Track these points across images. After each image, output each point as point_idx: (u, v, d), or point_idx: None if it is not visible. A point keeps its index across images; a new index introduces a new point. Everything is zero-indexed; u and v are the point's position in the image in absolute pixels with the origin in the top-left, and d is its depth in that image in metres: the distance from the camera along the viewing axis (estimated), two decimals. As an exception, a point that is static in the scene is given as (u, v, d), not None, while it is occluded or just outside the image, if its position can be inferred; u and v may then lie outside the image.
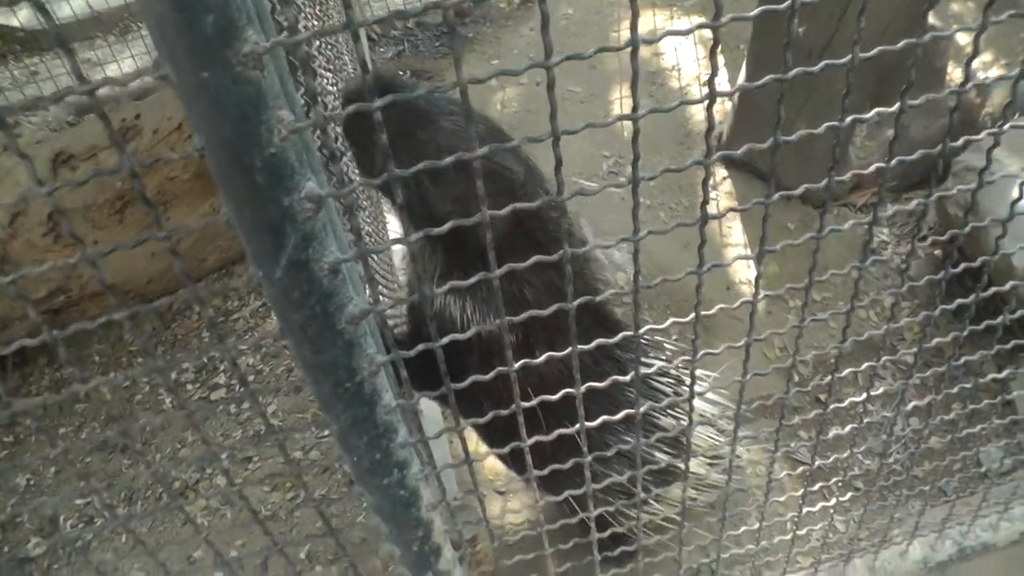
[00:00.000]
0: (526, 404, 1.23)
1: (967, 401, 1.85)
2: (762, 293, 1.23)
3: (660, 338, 2.67)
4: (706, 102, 0.93)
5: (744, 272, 4.12)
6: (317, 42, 2.17)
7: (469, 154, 0.86)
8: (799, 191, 1.14)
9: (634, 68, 0.85)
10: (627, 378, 1.28)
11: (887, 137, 1.16)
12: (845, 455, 1.83)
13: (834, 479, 1.99)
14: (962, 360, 1.64)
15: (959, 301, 1.49)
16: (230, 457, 3.61)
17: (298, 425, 3.71)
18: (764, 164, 4.38)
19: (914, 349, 1.57)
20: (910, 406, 1.73)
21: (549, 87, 0.85)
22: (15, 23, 5.82)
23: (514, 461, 2.60)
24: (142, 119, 4.12)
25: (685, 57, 5.70)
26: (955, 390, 1.82)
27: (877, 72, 3.87)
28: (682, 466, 1.58)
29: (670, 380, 2.55)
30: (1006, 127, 1.14)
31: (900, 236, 4.18)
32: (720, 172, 4.74)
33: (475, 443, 3.13)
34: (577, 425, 1.29)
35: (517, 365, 1.14)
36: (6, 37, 5.88)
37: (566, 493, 1.55)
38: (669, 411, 2.49)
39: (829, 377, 1.53)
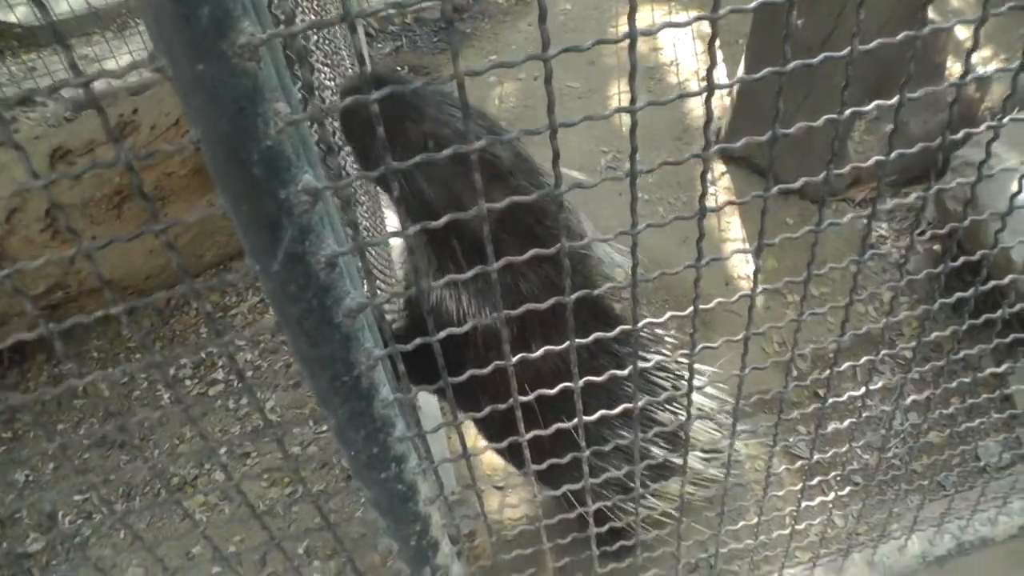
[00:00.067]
0: (524, 398, 1.22)
1: (966, 396, 1.85)
2: (760, 287, 1.23)
3: (661, 331, 2.66)
4: (704, 95, 0.93)
5: (743, 267, 4.12)
6: (315, 37, 2.17)
7: (464, 146, 0.85)
8: (798, 184, 1.14)
9: (632, 61, 0.85)
10: (624, 372, 1.27)
11: (886, 132, 1.16)
12: (844, 449, 1.83)
13: (833, 473, 1.99)
14: (961, 354, 1.64)
15: (958, 295, 1.49)
16: (228, 453, 3.61)
17: (296, 420, 3.71)
18: (763, 159, 4.38)
19: (913, 343, 1.57)
20: (909, 400, 1.73)
21: (546, 80, 0.84)
22: (12, 19, 5.80)
23: (512, 455, 2.60)
24: (139, 115, 4.11)
25: (683, 52, 5.70)
26: (954, 384, 1.82)
27: (876, 68, 3.87)
28: (680, 460, 1.59)
29: (668, 374, 2.55)
30: (1005, 120, 1.14)
31: (899, 231, 4.18)
32: (719, 168, 4.74)
33: (473, 438, 3.13)
34: (574, 420, 1.29)
35: (515, 359, 1.14)
36: (3, 33, 5.86)
37: (564, 488, 1.55)
38: (667, 405, 2.49)
39: (828, 371, 1.53)
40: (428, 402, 2.94)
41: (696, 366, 2.65)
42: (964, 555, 2.37)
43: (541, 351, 1.18)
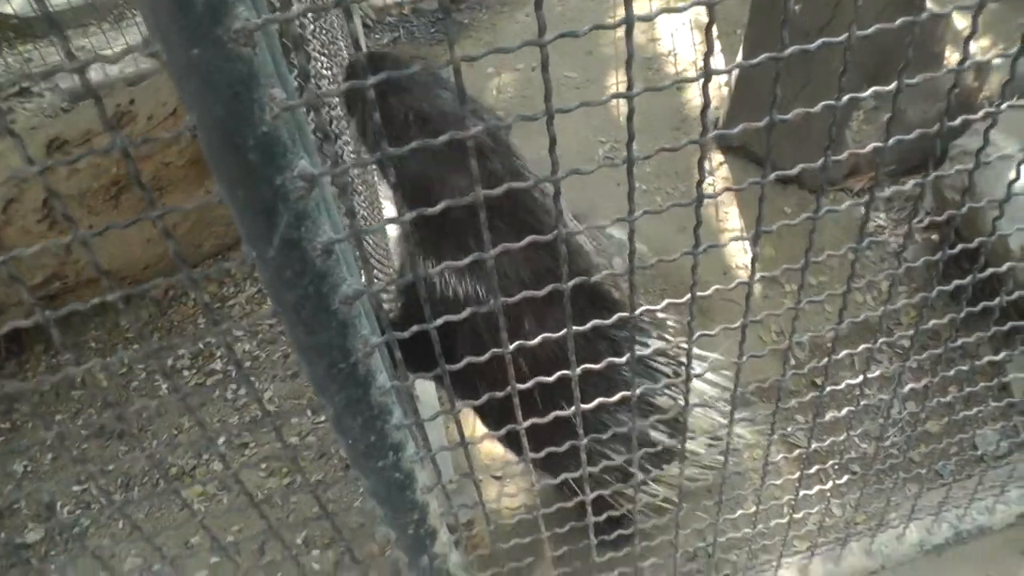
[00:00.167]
0: (522, 387, 1.22)
1: (963, 384, 1.85)
2: (758, 275, 1.23)
3: (663, 315, 2.65)
4: (701, 81, 0.93)
5: (740, 257, 4.12)
6: (312, 26, 2.16)
7: (463, 133, 0.85)
8: (795, 171, 1.13)
9: (628, 47, 0.84)
10: (623, 360, 1.27)
11: (884, 121, 1.16)
12: (842, 438, 1.83)
13: (831, 462, 1.99)
14: (959, 342, 1.64)
15: (956, 282, 1.49)
16: (226, 443, 3.61)
17: (294, 411, 3.71)
18: (760, 148, 4.37)
19: (911, 332, 1.57)
20: (906, 389, 1.73)
21: (543, 66, 0.84)
22: (8, 10, 5.79)
23: (511, 442, 2.60)
24: (136, 105, 4.10)
25: (681, 42, 5.69)
26: (952, 373, 1.82)
27: (874, 57, 3.86)
28: (679, 446, 1.59)
29: (669, 360, 2.54)
30: (1003, 106, 1.14)
31: (897, 220, 4.18)
32: (716, 158, 4.74)
33: (472, 427, 3.13)
34: (572, 406, 1.29)
35: (512, 347, 1.14)
36: (0, 25, 5.85)
37: (563, 476, 1.55)
38: (666, 391, 2.48)
39: (825, 360, 1.53)
40: (426, 391, 2.94)
41: (699, 352, 2.65)
42: (962, 544, 2.38)
43: (538, 339, 1.18)
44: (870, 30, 0.98)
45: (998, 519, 2.38)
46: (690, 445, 2.63)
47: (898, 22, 0.99)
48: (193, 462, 3.58)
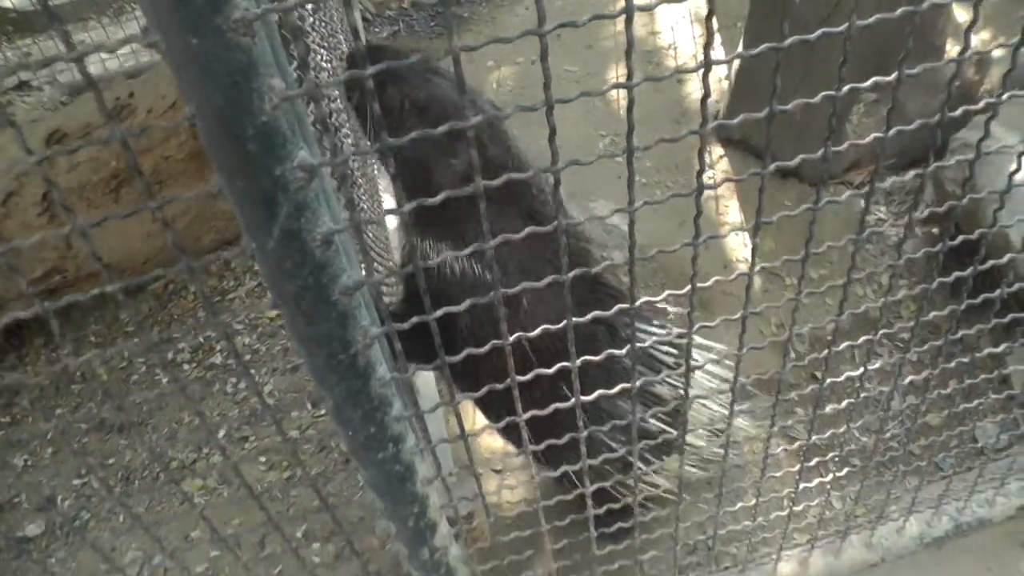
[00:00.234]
0: (522, 378, 1.22)
1: (964, 376, 1.85)
2: (759, 266, 1.23)
3: (665, 304, 2.64)
4: (701, 71, 0.92)
5: (741, 250, 4.12)
6: (311, 19, 2.16)
7: (463, 122, 0.85)
8: (795, 162, 1.13)
9: (628, 36, 0.84)
10: (622, 352, 1.27)
11: (884, 115, 1.16)
12: (842, 430, 1.83)
13: (831, 455, 1.99)
14: (959, 335, 1.64)
15: (957, 274, 1.49)
16: (227, 436, 3.61)
17: (294, 404, 3.71)
18: (760, 141, 4.36)
19: (911, 323, 1.57)
20: (906, 381, 1.73)
21: (542, 56, 0.84)
22: (8, 5, 5.78)
23: (511, 433, 2.60)
24: (136, 98, 4.09)
25: (681, 36, 5.68)
26: (952, 365, 1.82)
27: (875, 53, 3.86)
28: (677, 438, 1.59)
29: (671, 350, 2.54)
30: (1005, 97, 1.14)
31: (897, 214, 4.18)
32: (716, 151, 4.74)
33: (471, 420, 3.13)
34: (572, 396, 1.29)
35: (512, 338, 1.14)
36: (-1, 19, 5.85)
37: (563, 468, 1.55)
38: (667, 381, 2.47)
39: (826, 352, 1.53)
40: (426, 384, 2.94)
41: (703, 341, 2.64)
42: (962, 536, 2.38)
43: (539, 330, 1.18)
44: (871, 19, 0.98)
45: (998, 512, 2.38)
46: (689, 438, 2.63)
47: (898, 12, 0.98)
48: (193, 456, 3.58)
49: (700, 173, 1.00)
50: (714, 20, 0.88)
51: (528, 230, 1.02)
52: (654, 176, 4.61)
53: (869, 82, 1.07)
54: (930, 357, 3.24)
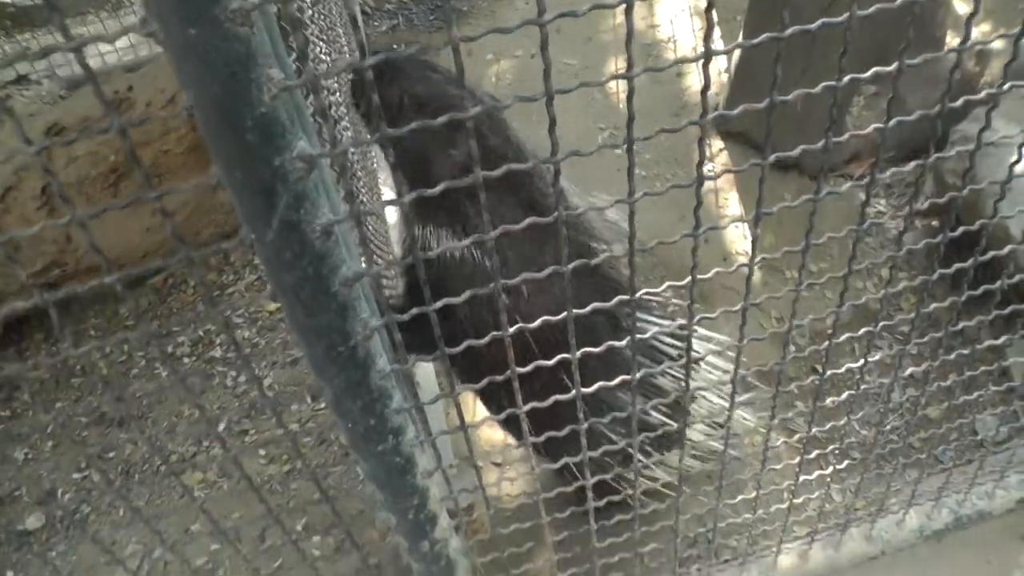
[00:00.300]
0: (522, 370, 1.22)
1: (964, 368, 1.85)
2: (759, 257, 1.23)
3: (669, 294, 2.64)
4: (701, 62, 0.92)
5: (741, 243, 4.12)
6: (310, 11, 2.16)
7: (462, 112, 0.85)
8: (796, 152, 1.13)
9: (629, 25, 0.84)
10: (622, 344, 1.27)
11: (884, 107, 1.15)
12: (842, 423, 1.83)
13: (831, 447, 1.99)
14: (960, 326, 1.64)
15: (957, 265, 1.49)
16: (227, 429, 3.61)
17: (295, 397, 3.71)
18: (760, 134, 4.36)
19: (911, 315, 1.57)
20: (907, 373, 1.73)
21: (542, 46, 0.84)
22: (5, 0, 5.77)
23: (511, 425, 2.61)
24: (135, 92, 4.09)
25: (681, 29, 5.68)
26: (952, 357, 1.82)
27: (875, 43, 3.85)
28: (677, 431, 1.59)
29: (674, 342, 2.53)
30: (1006, 87, 1.13)
31: (897, 207, 4.18)
32: (716, 144, 4.73)
33: (472, 412, 3.13)
34: (572, 387, 1.29)
35: (512, 329, 1.13)
36: (-2, 13, 5.83)
37: (564, 460, 1.55)
38: (668, 372, 2.47)
39: (826, 343, 1.52)
40: (426, 376, 2.94)
41: (707, 333, 2.64)
42: (962, 529, 2.38)
43: (538, 322, 1.18)
44: (871, 9, 0.98)
45: (998, 504, 2.39)
46: (690, 432, 2.63)
47: (898, 1, 0.98)
48: (193, 449, 3.58)
49: (700, 163, 1.00)
50: (714, 11, 0.87)
51: (528, 221, 1.01)
52: (653, 169, 4.60)
53: (870, 72, 1.07)
54: (930, 349, 3.24)
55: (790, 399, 3.26)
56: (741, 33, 4.55)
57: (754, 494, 1.98)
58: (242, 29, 0.73)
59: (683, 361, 1.37)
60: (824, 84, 1.02)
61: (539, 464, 1.69)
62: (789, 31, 0.92)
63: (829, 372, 1.60)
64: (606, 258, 2.04)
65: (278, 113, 0.80)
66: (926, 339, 1.81)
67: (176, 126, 4.06)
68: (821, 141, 1.06)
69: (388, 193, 3.24)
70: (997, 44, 4.24)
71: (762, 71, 4.19)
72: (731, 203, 4.37)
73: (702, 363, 2.61)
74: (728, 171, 1.09)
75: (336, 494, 3.27)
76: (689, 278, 1.18)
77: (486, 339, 1.16)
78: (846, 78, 1.01)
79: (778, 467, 2.05)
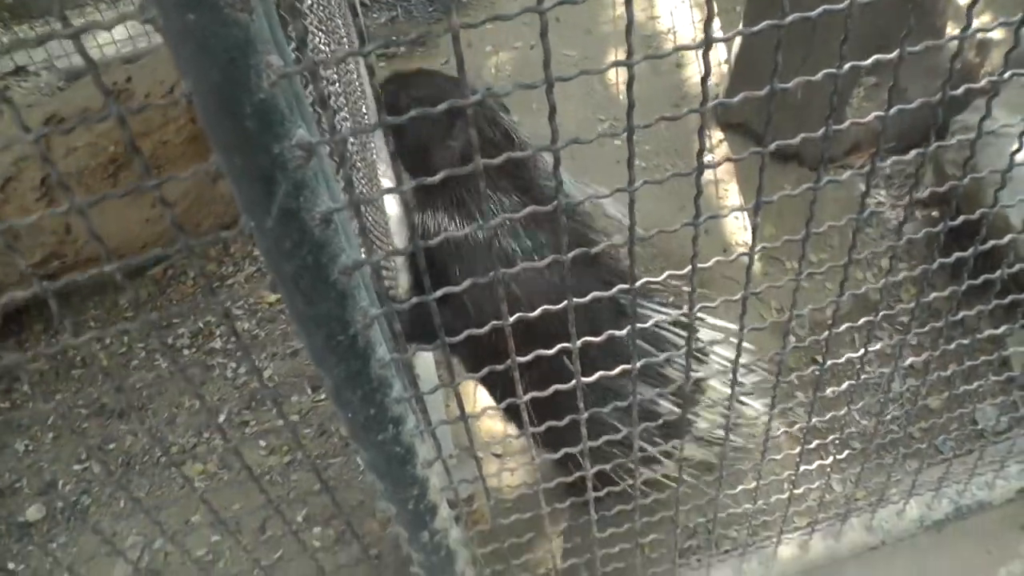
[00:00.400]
0: (522, 359, 1.22)
1: (964, 358, 1.85)
2: (759, 246, 1.22)
3: (676, 283, 2.64)
4: (701, 51, 0.92)
5: (741, 234, 4.11)
6: (309, 1, 2.16)
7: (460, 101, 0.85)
8: (797, 140, 1.13)
9: (629, 13, 0.84)
10: (623, 333, 1.27)
11: (885, 98, 1.15)
12: (842, 412, 1.83)
13: (831, 437, 1.99)
14: (960, 315, 1.64)
15: (957, 255, 1.49)
16: (227, 420, 3.62)
17: (295, 388, 3.71)
18: (760, 124, 4.36)
19: (912, 305, 1.56)
20: (907, 363, 1.73)
21: (542, 32, 0.84)
22: (3, -10, 5.77)
23: (512, 412, 2.61)
24: (133, 83, 4.09)
25: (681, 21, 5.67)
26: (952, 347, 1.82)
27: (876, 31, 3.84)
28: (692, 418, 1.60)
29: (681, 331, 2.53)
30: (1007, 75, 1.13)
31: (897, 197, 4.17)
32: (716, 135, 4.73)
33: (471, 403, 3.13)
34: (580, 379, 1.29)
35: (512, 319, 1.13)
36: (-4, 5, 5.82)
37: (563, 451, 1.54)
38: (676, 361, 2.47)
39: (826, 333, 1.52)
40: (426, 368, 2.93)
41: (714, 321, 2.65)
42: (962, 519, 2.38)
43: (539, 311, 1.18)
44: (872, -5, 0.98)
45: (998, 494, 2.39)
46: (698, 421, 2.64)
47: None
48: (193, 440, 3.59)
49: (700, 152, 1.00)
50: (714, 0, 0.87)
51: (528, 210, 1.01)
52: (653, 160, 4.60)
53: (870, 59, 1.06)
54: (930, 339, 3.24)
55: (790, 389, 3.26)
56: (740, 24, 4.54)
57: (754, 484, 1.97)
58: (241, 15, 0.73)
59: (676, 354, 1.37)
60: (825, 71, 1.02)
61: (539, 454, 1.69)
62: (790, 18, 0.92)
63: (829, 362, 1.60)
64: (607, 247, 2.04)
65: (277, 100, 0.79)
66: (926, 329, 1.81)
67: (175, 116, 4.06)
68: (822, 129, 1.06)
69: (387, 184, 3.24)
70: (998, 34, 4.23)
71: (762, 61, 4.18)
72: (731, 194, 4.37)
73: (710, 353, 2.62)
74: (729, 159, 1.08)
75: (336, 485, 3.28)
76: (689, 267, 1.18)
77: (486, 328, 1.15)
78: (847, 65, 1.00)
79: (778, 457, 2.05)
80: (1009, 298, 1.71)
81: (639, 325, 1.26)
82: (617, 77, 5.23)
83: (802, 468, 1.94)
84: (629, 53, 0.87)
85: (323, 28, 2.35)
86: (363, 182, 2.51)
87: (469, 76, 0.85)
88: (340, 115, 2.12)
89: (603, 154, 4.41)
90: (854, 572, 2.35)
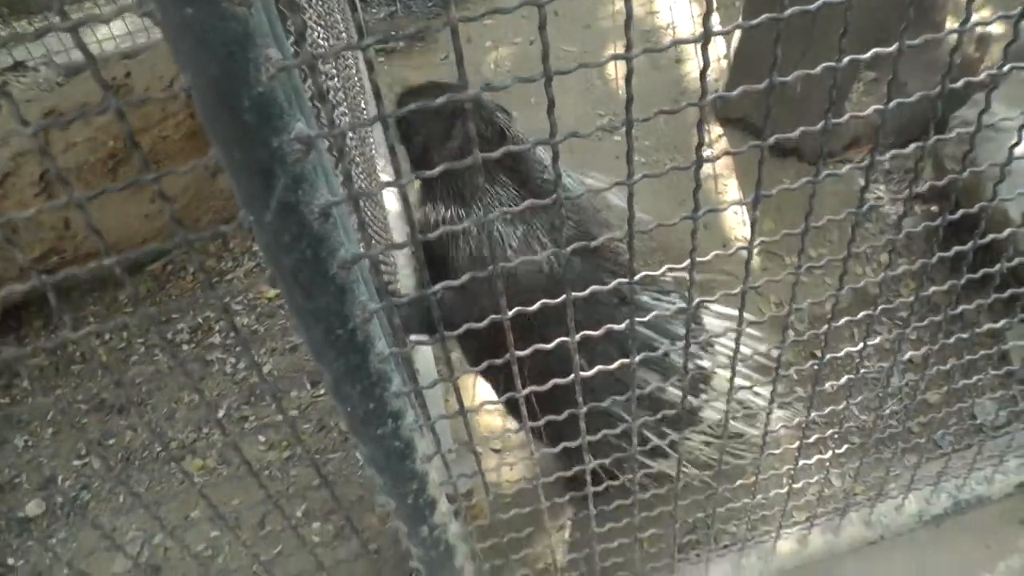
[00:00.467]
0: (521, 353, 1.22)
1: (963, 353, 1.85)
2: (758, 239, 1.22)
3: (683, 274, 2.64)
4: (700, 43, 0.92)
5: (740, 229, 4.12)
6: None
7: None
8: (796, 133, 1.13)
9: (627, 8, 0.84)
10: (621, 327, 1.27)
11: (884, 92, 1.15)
12: (841, 407, 1.83)
13: (830, 432, 1.99)
14: (959, 310, 1.64)
15: (956, 249, 1.48)
16: (226, 416, 3.62)
17: (294, 383, 3.71)
18: (759, 119, 4.36)
19: (911, 299, 1.56)
20: (906, 357, 1.73)
21: (541, 25, 0.83)
22: (3, -14, 5.77)
23: (513, 406, 2.61)
24: (132, 78, 4.08)
25: (680, 16, 5.67)
26: (951, 341, 1.82)
27: (875, 25, 3.84)
28: (700, 408, 1.59)
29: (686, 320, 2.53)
30: (1006, 68, 1.13)
31: (896, 192, 4.17)
32: (716, 130, 4.73)
33: (471, 398, 3.13)
34: (584, 361, 1.29)
35: (511, 312, 1.13)
36: (-7, -1, 5.82)
37: (562, 445, 1.54)
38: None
39: (825, 327, 1.52)
40: (425, 363, 2.93)
41: (723, 310, 2.66)
42: (961, 514, 2.38)
43: (538, 304, 1.18)
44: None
45: (997, 489, 2.39)
46: (706, 412, 2.65)
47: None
48: (193, 435, 3.59)
49: (699, 146, 1.00)
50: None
51: (527, 203, 1.01)
52: (652, 155, 4.60)
53: (870, 53, 1.06)
54: (929, 334, 3.24)
55: (790, 384, 3.26)
56: (740, 17, 4.55)
57: (753, 479, 1.98)
58: (240, 9, 0.73)
59: (701, 338, 1.37)
60: (824, 65, 1.02)
61: (538, 448, 1.69)
62: (789, 11, 0.92)
63: (828, 357, 1.60)
64: (607, 239, 2.04)
65: (276, 94, 0.79)
66: (925, 323, 1.81)
67: (174, 111, 4.06)
68: (821, 123, 1.05)
69: (387, 179, 3.24)
70: (997, 28, 4.23)
71: (761, 55, 4.17)
72: (730, 189, 4.37)
73: (716, 344, 2.62)
74: (727, 153, 1.08)
75: (335, 480, 3.28)
76: (688, 261, 1.18)
77: (484, 322, 1.15)
78: (846, 59, 1.00)
79: (777, 452, 2.05)
80: (1008, 292, 1.71)
81: (641, 318, 1.26)
82: (616, 72, 5.23)
83: (801, 463, 1.94)
84: (628, 47, 0.87)
85: (322, 23, 2.35)
86: (362, 176, 2.51)
87: (468, 72, 0.85)
88: (339, 109, 2.12)
89: (602, 149, 4.41)
90: (853, 567, 2.35)
